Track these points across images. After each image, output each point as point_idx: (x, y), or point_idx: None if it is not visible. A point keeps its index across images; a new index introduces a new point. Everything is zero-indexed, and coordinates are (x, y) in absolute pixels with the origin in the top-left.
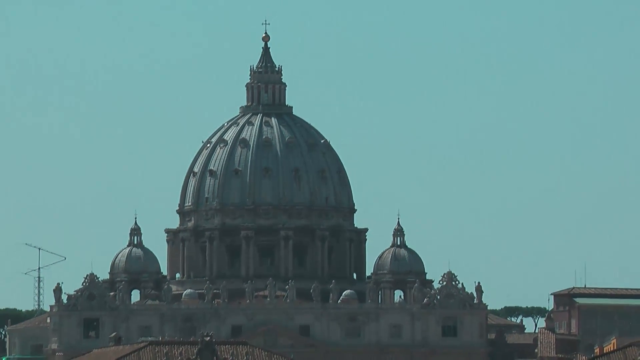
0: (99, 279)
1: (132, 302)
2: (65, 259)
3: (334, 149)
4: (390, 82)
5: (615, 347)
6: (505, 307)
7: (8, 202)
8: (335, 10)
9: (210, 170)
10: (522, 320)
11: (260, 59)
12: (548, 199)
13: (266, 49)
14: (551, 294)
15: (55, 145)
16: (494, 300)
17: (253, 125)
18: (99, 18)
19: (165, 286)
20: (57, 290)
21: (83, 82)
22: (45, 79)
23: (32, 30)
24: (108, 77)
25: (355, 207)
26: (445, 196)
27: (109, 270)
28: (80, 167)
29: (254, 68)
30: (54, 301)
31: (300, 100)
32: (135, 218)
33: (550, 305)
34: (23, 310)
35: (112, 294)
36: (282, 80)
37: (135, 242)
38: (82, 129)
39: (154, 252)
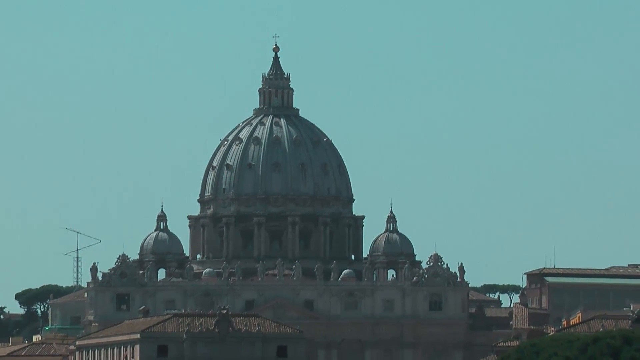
0: (130, 259)
1: (158, 280)
2: (100, 241)
3: (335, 146)
4: (383, 89)
5: (580, 320)
6: (484, 284)
7: (52, 191)
8: (337, 25)
9: (227, 165)
10: (499, 296)
11: (271, 68)
12: (522, 191)
13: (276, 59)
14: (524, 274)
15: (93, 141)
16: (474, 279)
17: (264, 125)
18: (138, 32)
19: (188, 265)
20: (93, 269)
21: (120, 86)
22: (87, 78)
23: (75, 26)
24: (141, 83)
25: (354, 197)
26: (432, 188)
27: (138, 252)
28: (114, 161)
29: (266, 75)
30: (91, 278)
31: (306, 103)
32: (162, 206)
33: (523, 283)
34: (63, 286)
35: (141, 272)
36: (290, 86)
37: (162, 227)
38: (117, 128)
39: (177, 236)
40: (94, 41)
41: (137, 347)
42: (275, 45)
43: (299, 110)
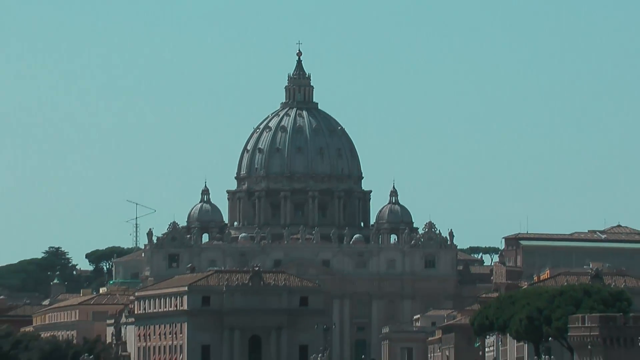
0: (179, 226)
1: (202, 242)
2: (155, 211)
3: (348, 133)
4: (388, 87)
5: (548, 276)
6: (469, 247)
7: (117, 170)
8: (349, 34)
9: (259, 148)
10: (481, 256)
11: (295, 69)
12: (500, 170)
13: (299, 62)
14: (503, 238)
15: (152, 129)
16: (461, 242)
17: (289, 116)
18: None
19: (226, 231)
20: (149, 234)
21: (178, 83)
22: (149, 72)
23: (118, 22)
24: (194, 80)
25: (363, 175)
26: (428, 167)
27: (186, 220)
28: (167, 145)
29: (291, 75)
30: (147, 241)
31: (324, 98)
32: (205, 182)
33: (502, 245)
34: (125, 247)
35: (188, 236)
36: (311, 84)
37: (205, 199)
38: (172, 119)
39: (218, 207)
40: (155, 37)
41: (185, 297)
42: (299, 50)
43: (318, 104)
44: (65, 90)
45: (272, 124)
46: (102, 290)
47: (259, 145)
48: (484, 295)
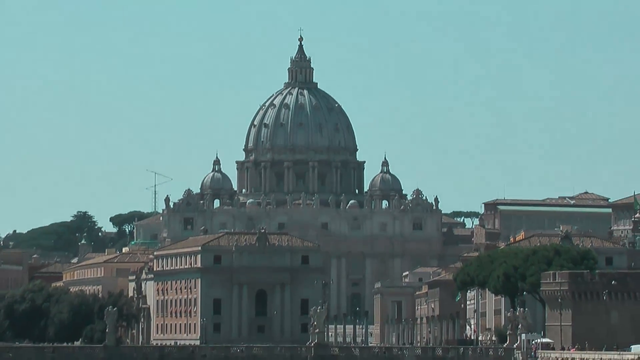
0: (193, 192)
1: (214, 207)
2: (172, 179)
3: (344, 110)
4: (379, 69)
5: (523, 237)
6: (453, 211)
7: (138, 141)
8: (345, 22)
9: (265, 124)
10: (464, 220)
11: (297, 52)
12: (479, 144)
13: (301, 46)
14: (482, 203)
15: (168, 106)
16: (446, 207)
17: (292, 95)
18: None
19: (235, 197)
20: (167, 199)
21: (194, 64)
22: (166, 63)
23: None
24: (208, 61)
25: (357, 148)
26: (415, 141)
27: (199, 187)
28: (182, 120)
29: (293, 58)
30: (165, 206)
31: (323, 79)
32: (217, 154)
33: (481, 210)
34: (145, 212)
35: (201, 202)
36: (311, 66)
37: (217, 169)
38: (187, 97)
39: (228, 176)
40: (175, 20)
41: (199, 256)
42: (300, 36)
43: (317, 83)
44: (98, 67)
45: (277, 101)
46: (124, 250)
47: (265, 121)
48: (465, 255)
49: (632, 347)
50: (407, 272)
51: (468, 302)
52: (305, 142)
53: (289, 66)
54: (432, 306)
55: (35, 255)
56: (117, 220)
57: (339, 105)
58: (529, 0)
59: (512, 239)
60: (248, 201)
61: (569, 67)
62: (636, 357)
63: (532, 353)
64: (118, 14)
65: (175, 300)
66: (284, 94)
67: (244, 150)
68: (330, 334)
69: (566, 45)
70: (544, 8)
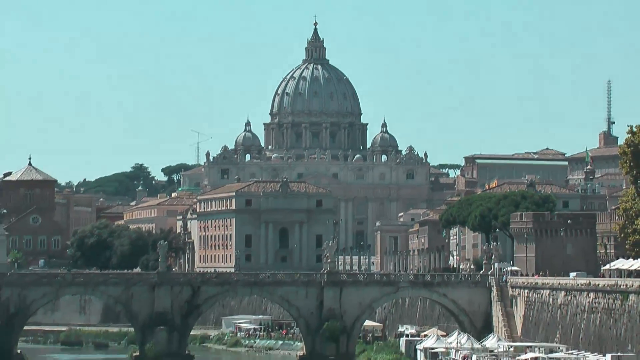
0: (229, 148)
1: (245, 161)
2: (211, 137)
3: (351, 81)
4: (383, 48)
5: (496, 185)
6: (439, 164)
7: (184, 106)
8: (353, 8)
9: (286, 92)
10: (447, 171)
11: (312, 34)
12: (462, 104)
13: (315, 29)
14: (463, 157)
15: (213, 78)
16: (433, 160)
17: (309, 69)
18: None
19: (263, 152)
20: (207, 154)
21: (229, 45)
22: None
23: None
24: (241, 44)
25: (362, 112)
26: (408, 107)
27: (234, 144)
28: (221, 90)
29: (309, 39)
30: (205, 159)
31: (334, 56)
32: (248, 117)
33: (462, 163)
34: (189, 164)
35: (235, 156)
36: (324, 45)
37: (248, 129)
38: (224, 70)
39: (257, 135)
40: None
41: (233, 200)
42: (315, 21)
43: (329, 60)
44: (155, 45)
45: (296, 75)
46: (173, 195)
47: (287, 90)
48: (449, 199)
49: (571, 274)
50: (401, 213)
51: (451, 238)
52: (319, 107)
53: (306, 46)
54: (422, 240)
55: (101, 199)
56: (167, 170)
57: (346, 77)
58: None
59: (487, 186)
60: (273, 155)
61: (532, 31)
62: (576, 280)
63: (503, 278)
64: None
65: (214, 236)
66: (302, 69)
67: (269, 114)
68: (339, 263)
69: (536, 26)
70: None
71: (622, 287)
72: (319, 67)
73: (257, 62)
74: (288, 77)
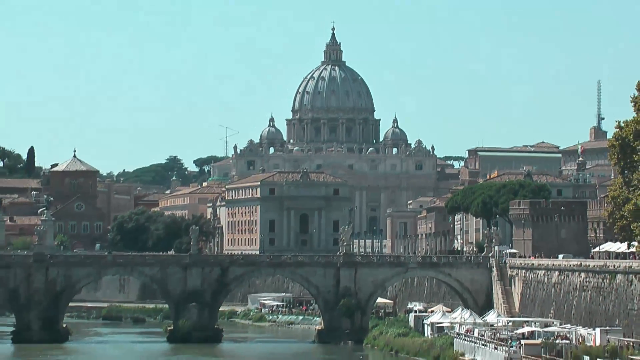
0: (255, 142)
1: (270, 153)
2: (239, 132)
3: (365, 81)
4: (396, 50)
5: (496, 175)
6: (445, 156)
7: (214, 102)
8: (368, 15)
9: (307, 91)
10: (452, 162)
11: (330, 38)
12: (465, 100)
13: (333, 34)
14: (466, 150)
15: (242, 79)
16: (440, 152)
17: (327, 70)
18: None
19: (285, 145)
20: (235, 147)
21: (255, 47)
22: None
23: None
24: (266, 47)
25: (375, 109)
26: (418, 103)
27: (259, 138)
28: (249, 89)
29: (327, 43)
30: (233, 152)
31: (350, 58)
32: (272, 113)
33: (466, 155)
34: (219, 156)
35: (260, 149)
36: (341, 49)
37: (271, 125)
38: (252, 71)
39: (280, 129)
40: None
41: (258, 189)
42: (333, 27)
43: (345, 62)
44: (182, 43)
45: (315, 75)
46: (204, 184)
47: (307, 89)
48: (454, 188)
49: (559, 256)
50: (411, 201)
51: (456, 223)
52: (336, 104)
53: (325, 49)
54: (429, 225)
55: (139, 188)
56: (198, 162)
57: (361, 77)
58: None
59: (488, 176)
60: (294, 148)
61: (532, 30)
62: (568, 262)
63: (503, 260)
64: None
65: (241, 221)
66: (321, 70)
67: (291, 111)
68: (354, 246)
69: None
70: None
71: (610, 267)
72: (337, 68)
73: (280, 64)
74: (308, 77)
